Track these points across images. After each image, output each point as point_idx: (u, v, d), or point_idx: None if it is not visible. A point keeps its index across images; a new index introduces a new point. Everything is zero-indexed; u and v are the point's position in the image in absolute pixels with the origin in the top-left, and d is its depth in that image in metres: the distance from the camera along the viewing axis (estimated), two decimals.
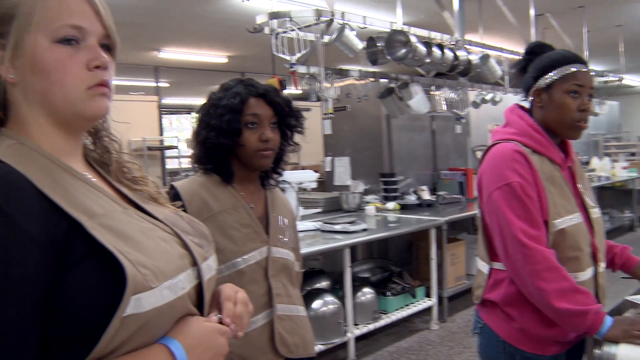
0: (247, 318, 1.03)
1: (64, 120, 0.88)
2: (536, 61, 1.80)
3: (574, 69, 1.72)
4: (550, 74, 1.74)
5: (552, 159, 1.75)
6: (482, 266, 1.86)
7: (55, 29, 0.84)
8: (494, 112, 6.73)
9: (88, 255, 0.78)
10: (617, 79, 8.88)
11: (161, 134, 10.27)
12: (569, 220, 1.70)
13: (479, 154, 6.76)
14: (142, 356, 0.80)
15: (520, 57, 1.91)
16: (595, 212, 1.83)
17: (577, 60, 1.75)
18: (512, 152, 1.70)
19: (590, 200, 1.83)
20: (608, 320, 1.57)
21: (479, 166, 1.83)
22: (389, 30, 4.50)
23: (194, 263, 0.93)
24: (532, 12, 6.43)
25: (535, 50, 1.86)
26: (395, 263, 4.96)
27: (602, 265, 1.80)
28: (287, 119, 1.78)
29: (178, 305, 0.86)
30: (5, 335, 0.71)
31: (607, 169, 8.39)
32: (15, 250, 0.73)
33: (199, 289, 0.94)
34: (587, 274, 1.73)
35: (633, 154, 14.01)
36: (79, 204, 0.82)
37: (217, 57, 9.59)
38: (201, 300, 0.94)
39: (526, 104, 1.86)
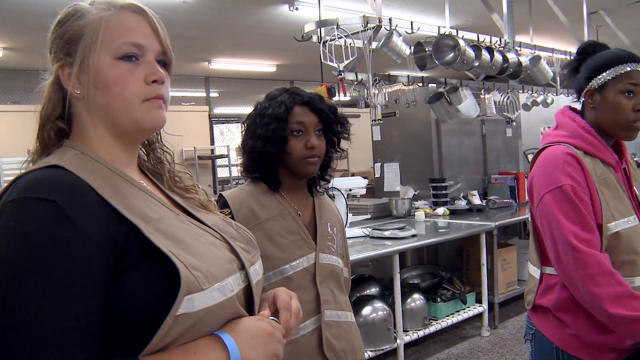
0: (296, 327, 1.09)
1: (124, 131, 0.95)
2: (589, 61, 1.77)
3: (628, 68, 1.68)
4: (603, 74, 1.70)
5: (605, 160, 1.71)
6: (534, 271, 1.84)
7: (118, 47, 0.91)
8: (546, 114, 6.59)
9: (144, 257, 0.83)
10: None
11: (212, 143, 10.48)
12: (623, 223, 1.66)
13: (530, 158, 6.63)
14: (193, 345, 0.85)
15: (572, 58, 1.88)
16: None
17: (632, 58, 1.70)
18: (564, 155, 1.67)
19: None
20: None
21: (530, 170, 1.81)
22: (436, 34, 4.48)
23: (242, 267, 0.98)
24: (584, 10, 6.28)
25: (587, 50, 1.82)
26: (445, 269, 4.91)
27: None
28: (333, 125, 1.79)
29: (227, 306, 0.90)
30: (69, 329, 0.76)
31: None
32: (79, 251, 0.78)
33: (246, 292, 0.98)
34: None
35: None
36: (136, 209, 0.87)
37: (266, 66, 9.72)
38: (250, 303, 0.99)
39: (577, 106, 1.83)
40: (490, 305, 4.75)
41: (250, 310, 0.98)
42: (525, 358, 4.13)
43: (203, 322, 0.86)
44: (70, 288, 0.77)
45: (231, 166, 10.79)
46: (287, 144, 1.72)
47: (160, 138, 1.10)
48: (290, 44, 7.55)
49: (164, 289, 0.82)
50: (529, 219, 1.84)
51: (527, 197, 5.90)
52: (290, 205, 1.78)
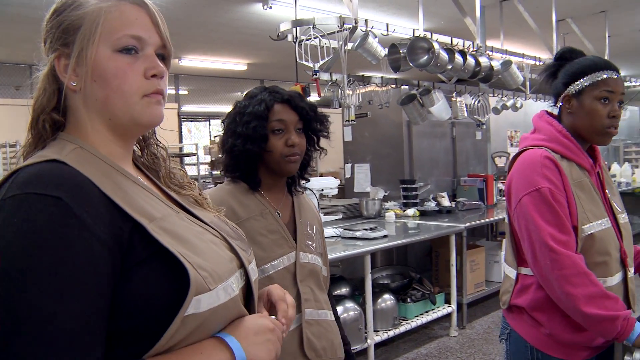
0: (293, 319, 1.09)
1: (121, 126, 0.92)
2: (566, 67, 1.80)
3: (605, 75, 1.72)
4: (580, 80, 1.74)
5: (581, 164, 1.75)
6: (510, 272, 1.86)
7: (117, 39, 0.89)
8: (513, 118, 6.71)
9: (150, 257, 0.82)
10: (639, 84, 8.80)
11: (180, 141, 10.37)
12: (597, 225, 1.70)
13: (497, 161, 6.74)
14: (199, 346, 0.84)
15: (550, 63, 1.91)
16: (623, 217, 1.83)
17: (608, 66, 1.75)
18: (542, 158, 1.70)
19: (618, 205, 1.83)
20: (638, 327, 1.57)
21: (507, 172, 1.84)
22: (411, 37, 4.51)
23: (241, 265, 0.97)
24: (554, 17, 6.41)
25: (565, 56, 1.86)
26: (415, 269, 4.96)
27: (632, 270, 1.80)
28: (313, 123, 1.80)
29: (231, 306, 0.89)
30: (77, 330, 0.74)
31: (627, 174, 8.30)
32: (87, 249, 0.76)
33: (244, 290, 0.97)
34: (615, 279, 1.73)
35: None
36: (139, 207, 0.85)
37: (236, 64, 9.67)
38: (247, 301, 0.98)
39: (553, 110, 1.87)
40: (459, 306, 4.81)
41: (249, 309, 0.97)
42: (492, 358, 4.19)
43: (208, 322, 0.85)
44: (76, 289, 0.74)
45: (199, 164, 10.72)
46: (268, 142, 1.72)
47: (154, 133, 1.07)
48: (263, 43, 7.50)
49: (171, 290, 0.80)
50: (506, 221, 1.87)
51: (495, 199, 5.97)
52: (270, 204, 1.78)
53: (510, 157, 1.88)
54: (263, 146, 1.71)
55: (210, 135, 15.09)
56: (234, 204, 1.74)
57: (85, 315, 0.75)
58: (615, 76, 1.74)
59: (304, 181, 1.91)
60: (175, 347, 0.81)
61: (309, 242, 1.80)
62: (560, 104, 1.81)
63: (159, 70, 0.92)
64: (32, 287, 0.72)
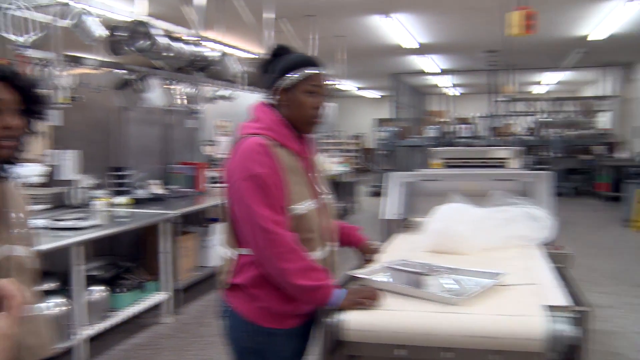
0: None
1: None
2: (280, 63, 1.98)
3: (312, 71, 1.94)
4: (292, 75, 1.93)
5: (294, 150, 1.94)
6: (228, 252, 1.97)
7: None
8: (221, 108, 6.98)
9: None
10: (334, 83, 9.99)
11: None
12: (305, 206, 1.92)
13: (205, 149, 6.97)
14: None
15: (265, 59, 2.07)
16: (326, 198, 2.08)
17: (315, 63, 1.97)
18: (258, 145, 1.85)
19: (323, 187, 2.07)
20: (339, 292, 1.82)
21: (229, 158, 1.95)
22: (131, 20, 4.39)
23: None
24: (270, 15, 6.80)
25: (278, 52, 2.04)
26: (127, 258, 4.87)
27: (331, 244, 2.07)
28: (33, 104, 1.66)
29: None
30: None
31: (321, 163, 9.27)
32: None
33: None
34: (318, 253, 1.97)
35: (345, 150, 16.17)
36: None
37: None
38: None
39: (269, 101, 2.03)
40: (173, 292, 4.88)
41: None
42: (206, 340, 4.35)
43: None
44: None
45: None
46: None
47: None
48: None
49: None
50: (225, 205, 1.98)
51: (206, 186, 6.13)
52: None
53: (231, 144, 1.99)
54: None
55: None
56: None
57: None
58: (320, 72, 1.97)
59: (8, 165, 1.73)
60: None
61: (16, 233, 1.67)
62: (276, 96, 1.97)
63: None
64: None
